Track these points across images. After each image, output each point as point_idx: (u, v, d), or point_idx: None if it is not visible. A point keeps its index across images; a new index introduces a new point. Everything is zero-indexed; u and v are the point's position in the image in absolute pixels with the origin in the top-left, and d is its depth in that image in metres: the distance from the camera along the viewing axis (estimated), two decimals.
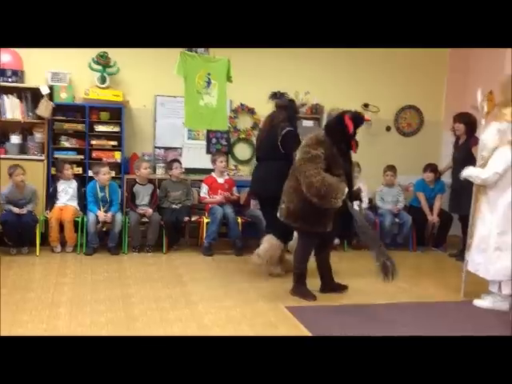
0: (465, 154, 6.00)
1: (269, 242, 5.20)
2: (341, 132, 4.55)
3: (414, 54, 7.33)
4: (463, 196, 5.59)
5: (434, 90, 7.74)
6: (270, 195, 5.07)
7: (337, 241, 6.16)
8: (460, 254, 5.95)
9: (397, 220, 6.76)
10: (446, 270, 5.85)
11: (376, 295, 4.90)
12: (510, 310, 4.28)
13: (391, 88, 7.54)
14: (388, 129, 7.72)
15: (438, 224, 6.78)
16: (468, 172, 4.68)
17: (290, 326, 4.04)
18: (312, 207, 4.45)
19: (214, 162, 6.55)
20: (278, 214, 4.73)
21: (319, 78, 7.31)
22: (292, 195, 4.60)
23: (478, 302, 4.68)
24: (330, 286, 4.95)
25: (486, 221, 4.59)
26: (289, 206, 4.61)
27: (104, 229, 6.09)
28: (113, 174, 6.34)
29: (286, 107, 5.39)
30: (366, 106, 7.47)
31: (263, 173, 5.31)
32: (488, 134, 4.58)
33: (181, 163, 6.57)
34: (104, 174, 6.07)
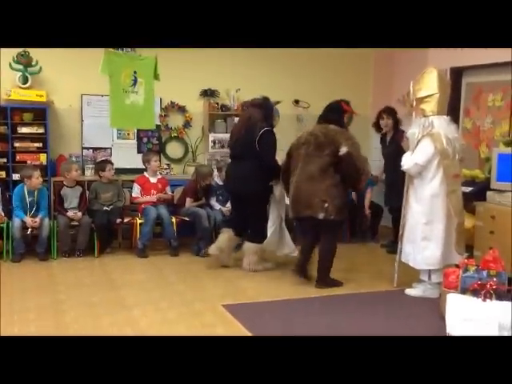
0: (395, 148, 6.06)
1: (252, 252, 5.42)
2: (342, 119, 5.22)
3: (339, 50, 7.42)
4: (393, 189, 5.74)
5: (360, 85, 7.88)
6: (252, 193, 5.25)
7: None
8: (391, 245, 6.10)
9: None
10: (380, 260, 5.97)
11: (312, 288, 4.95)
12: (439, 297, 4.42)
13: (320, 84, 7.62)
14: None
15: (369, 216, 6.93)
16: (402, 159, 4.79)
17: (227, 325, 4.02)
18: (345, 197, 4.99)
19: (147, 161, 6.41)
20: (323, 216, 4.77)
21: (249, 75, 7.30)
22: (334, 191, 4.81)
23: (409, 291, 4.81)
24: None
25: (413, 211, 4.72)
26: (334, 203, 4.79)
27: (33, 232, 5.80)
28: None
29: (261, 106, 5.39)
30: (296, 102, 7.54)
31: (243, 172, 5.31)
32: (413, 128, 4.72)
33: (113, 164, 6.40)
34: (37, 178, 5.82)
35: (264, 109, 5.38)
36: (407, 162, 4.68)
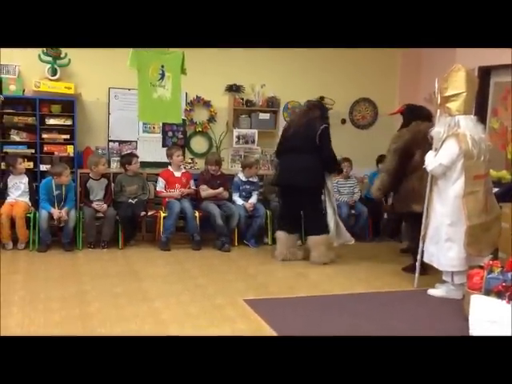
0: None
1: (321, 244, 5.62)
2: None
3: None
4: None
5: (387, 83, 7.85)
6: (312, 185, 5.56)
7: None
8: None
9: (353, 211, 6.84)
10: (402, 259, 5.93)
11: (334, 286, 4.96)
12: (462, 298, 4.38)
13: (345, 81, 7.60)
14: (343, 121, 7.79)
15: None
16: (426, 158, 4.74)
17: (248, 320, 4.04)
18: None
19: (170, 156, 6.47)
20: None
21: (275, 71, 7.32)
22: None
23: (431, 291, 4.78)
24: None
25: (437, 212, 4.66)
26: None
27: (61, 225, 5.88)
28: None
29: (318, 106, 5.82)
30: (321, 98, 7.50)
31: (304, 164, 5.52)
32: (439, 127, 4.65)
33: (138, 157, 6.47)
34: (66, 176, 5.92)
35: (320, 109, 5.78)
36: (431, 162, 4.62)
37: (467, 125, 4.53)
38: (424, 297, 4.73)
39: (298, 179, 5.51)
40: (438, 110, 4.73)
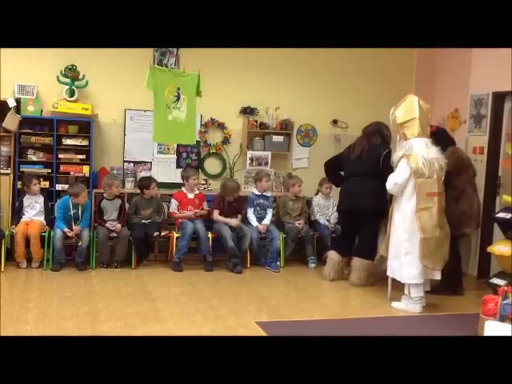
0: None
1: (364, 269, 5.71)
2: None
3: (381, 70, 7.46)
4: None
5: None
6: (376, 209, 5.58)
7: None
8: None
9: None
10: None
11: (346, 310, 4.95)
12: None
13: (359, 104, 7.62)
14: None
15: None
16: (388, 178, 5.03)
17: None
18: None
19: (186, 178, 6.48)
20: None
21: (289, 94, 7.37)
22: None
23: (394, 304, 5.03)
24: None
25: (397, 228, 4.95)
26: None
27: (79, 244, 5.87)
28: None
29: (380, 132, 5.89)
30: (335, 122, 7.56)
31: (369, 188, 5.61)
32: (398, 151, 5.05)
33: (156, 182, 6.48)
34: (83, 197, 5.99)
35: (381, 133, 5.89)
36: (388, 182, 4.99)
37: (420, 146, 4.90)
38: (437, 322, 4.70)
39: (363, 202, 5.61)
40: (398, 136, 5.15)
